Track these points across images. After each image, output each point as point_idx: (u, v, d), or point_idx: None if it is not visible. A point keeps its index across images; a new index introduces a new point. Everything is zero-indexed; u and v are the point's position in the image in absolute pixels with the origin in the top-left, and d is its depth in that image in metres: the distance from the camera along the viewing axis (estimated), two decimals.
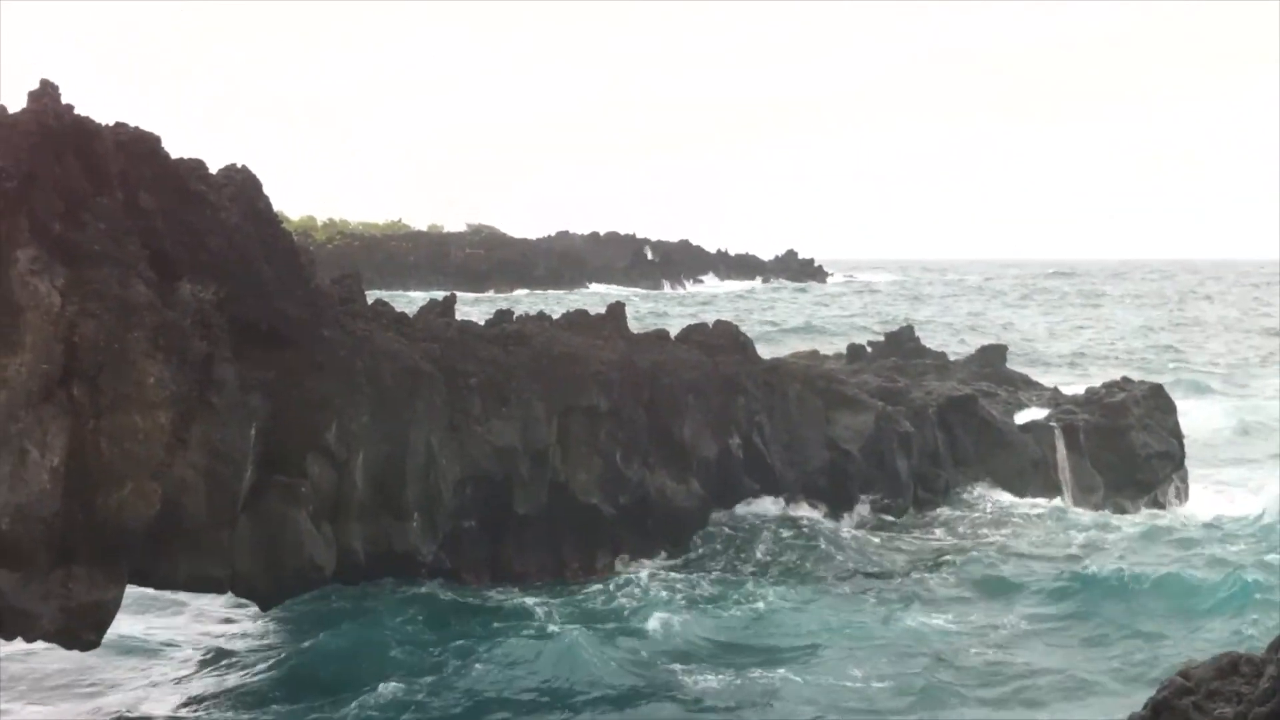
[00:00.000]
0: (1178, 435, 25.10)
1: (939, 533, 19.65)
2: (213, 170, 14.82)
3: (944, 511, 20.55)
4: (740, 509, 19.12)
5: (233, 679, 13.88)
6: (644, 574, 16.87)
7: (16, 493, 11.22)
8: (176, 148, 14.21)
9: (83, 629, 11.86)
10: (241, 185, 14.94)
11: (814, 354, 33.82)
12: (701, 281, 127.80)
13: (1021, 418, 23.72)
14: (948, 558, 18.29)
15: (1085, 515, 21.29)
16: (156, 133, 13.95)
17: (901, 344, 31.04)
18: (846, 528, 19.35)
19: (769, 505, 19.26)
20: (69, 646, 12.27)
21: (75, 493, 11.74)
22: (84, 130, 12.62)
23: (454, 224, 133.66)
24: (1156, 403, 25.13)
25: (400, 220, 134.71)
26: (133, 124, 13.78)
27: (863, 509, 19.86)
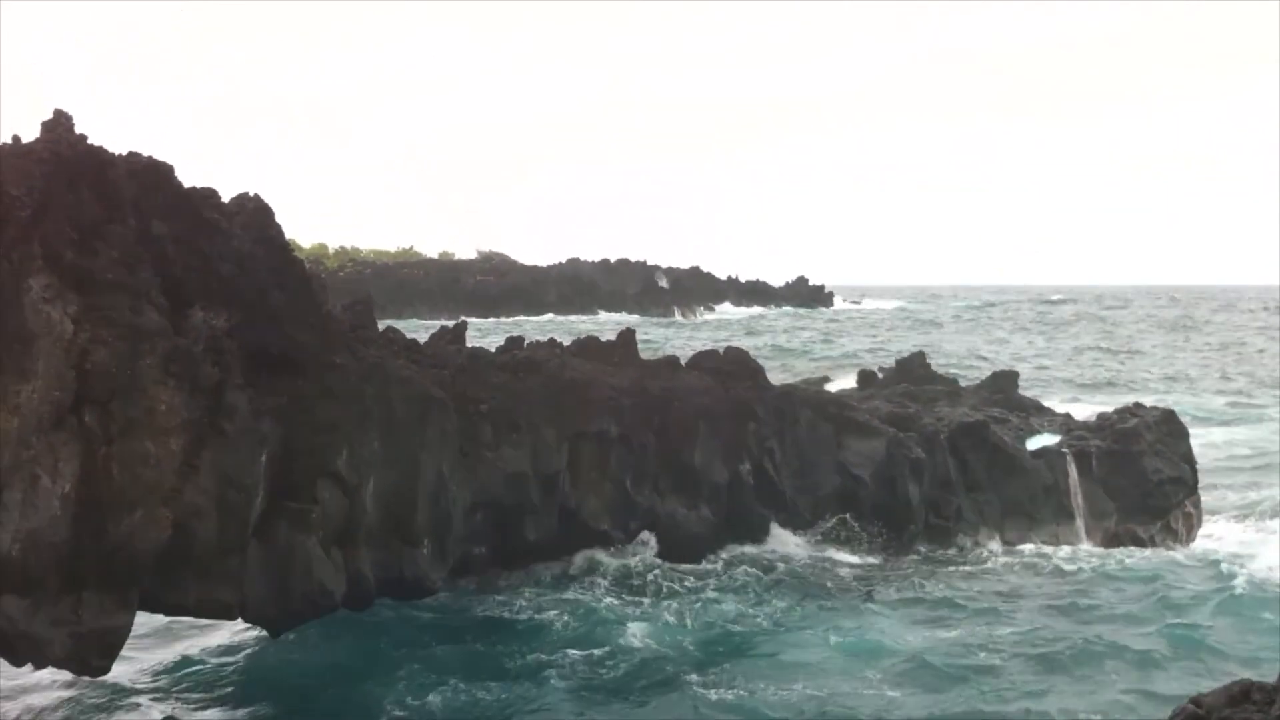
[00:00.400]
0: (1190, 460, 24.97)
1: (947, 569, 19.51)
2: (225, 199, 14.93)
3: (954, 544, 20.44)
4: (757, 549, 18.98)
5: (237, 704, 13.86)
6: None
7: (28, 519, 11.26)
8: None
9: (92, 655, 11.87)
10: (253, 213, 15.04)
11: (825, 380, 33.84)
12: (713, 309, 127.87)
13: (1034, 444, 23.63)
14: (952, 591, 18.20)
15: (1095, 553, 21.19)
16: (170, 162, 14.09)
17: (912, 370, 31.01)
18: (857, 557, 19.28)
19: (792, 546, 19.15)
20: (79, 672, 12.29)
21: (86, 519, 11.78)
22: (97, 159, 12.72)
23: (465, 250, 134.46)
24: (1169, 428, 25.02)
25: (412, 248, 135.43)
26: (145, 153, 13.92)
27: (872, 537, 19.75)
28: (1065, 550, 21.05)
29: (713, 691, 13.77)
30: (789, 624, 16.18)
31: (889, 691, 14.03)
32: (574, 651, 14.75)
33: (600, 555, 17.50)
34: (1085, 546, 21.58)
